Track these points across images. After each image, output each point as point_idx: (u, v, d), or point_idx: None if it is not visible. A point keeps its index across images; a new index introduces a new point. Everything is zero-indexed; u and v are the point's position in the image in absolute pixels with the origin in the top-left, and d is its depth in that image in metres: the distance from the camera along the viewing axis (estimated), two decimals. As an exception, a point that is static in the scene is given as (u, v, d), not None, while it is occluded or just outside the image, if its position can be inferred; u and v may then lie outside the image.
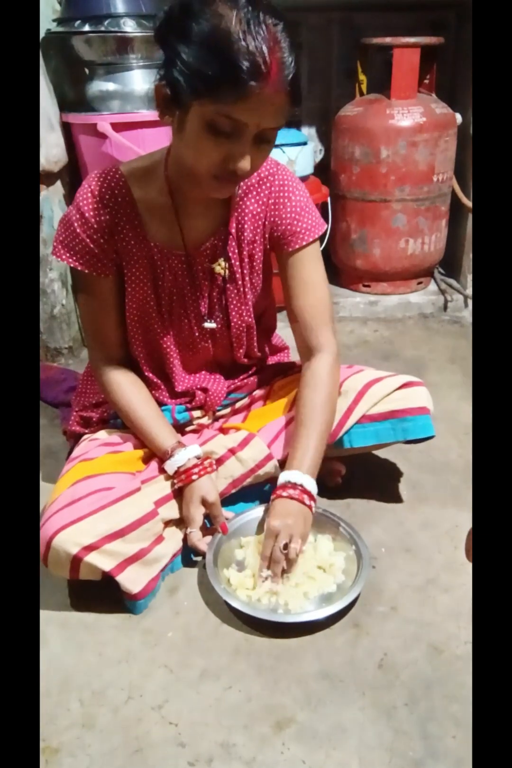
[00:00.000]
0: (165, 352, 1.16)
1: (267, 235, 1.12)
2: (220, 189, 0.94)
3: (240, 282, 1.13)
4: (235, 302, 1.15)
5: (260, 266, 1.15)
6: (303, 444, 1.08)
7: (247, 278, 1.14)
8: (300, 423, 1.11)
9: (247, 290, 1.15)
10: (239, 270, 1.13)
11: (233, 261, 1.12)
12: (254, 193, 1.09)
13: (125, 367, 1.16)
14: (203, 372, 1.24)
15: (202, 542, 1.08)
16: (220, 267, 1.11)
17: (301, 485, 1.04)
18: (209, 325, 1.15)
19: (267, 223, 1.11)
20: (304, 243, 1.11)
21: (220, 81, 0.79)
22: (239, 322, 1.17)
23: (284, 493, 1.04)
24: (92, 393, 1.26)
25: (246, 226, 1.10)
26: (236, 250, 1.11)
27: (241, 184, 1.08)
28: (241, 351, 1.22)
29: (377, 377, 1.21)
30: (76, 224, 1.03)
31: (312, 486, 1.06)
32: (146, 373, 1.17)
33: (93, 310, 1.12)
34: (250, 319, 1.18)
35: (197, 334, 1.17)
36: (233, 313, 1.16)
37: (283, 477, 1.06)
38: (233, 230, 1.10)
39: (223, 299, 1.15)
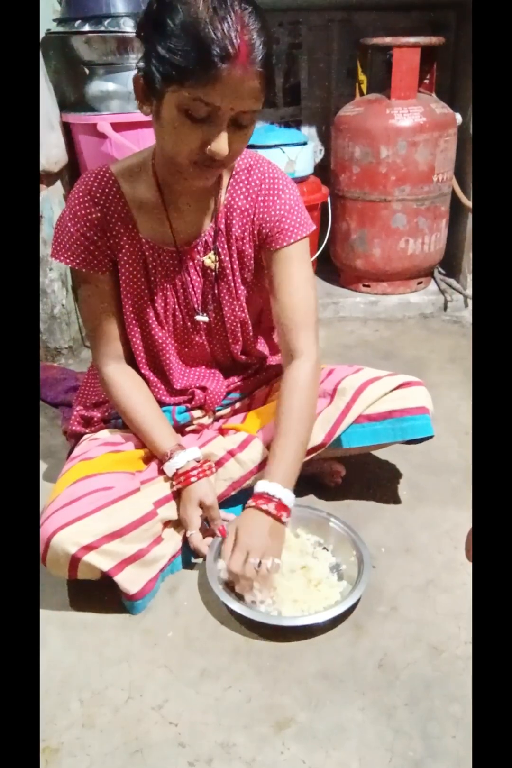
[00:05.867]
0: (161, 347, 1.16)
1: (255, 232, 1.11)
2: (200, 176, 0.94)
3: (230, 277, 1.13)
4: (226, 297, 1.15)
5: (251, 262, 1.14)
6: (282, 454, 1.06)
7: (237, 273, 1.14)
8: (279, 432, 1.08)
9: (238, 285, 1.14)
10: (229, 265, 1.13)
11: (222, 256, 1.12)
12: (242, 188, 1.09)
13: (127, 366, 1.16)
14: (201, 369, 1.24)
15: (203, 544, 1.08)
16: (211, 260, 1.12)
17: (279, 499, 1.02)
18: (201, 318, 1.15)
19: (255, 219, 1.10)
20: (291, 241, 1.10)
21: (190, 66, 0.81)
22: (232, 317, 1.17)
23: (263, 506, 1.02)
24: (95, 392, 1.26)
25: (234, 221, 1.10)
26: (225, 246, 1.11)
27: (229, 178, 1.08)
28: (238, 347, 1.21)
29: (375, 377, 1.20)
30: (69, 224, 1.04)
31: (289, 499, 1.03)
32: (143, 371, 1.17)
33: (93, 308, 1.12)
34: (243, 315, 1.17)
35: (191, 327, 1.17)
36: (226, 308, 1.16)
37: (260, 486, 1.04)
38: (222, 226, 1.10)
39: (216, 294, 1.15)
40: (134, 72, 0.92)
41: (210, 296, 1.15)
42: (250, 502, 1.04)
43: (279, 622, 0.98)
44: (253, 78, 0.84)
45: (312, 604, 1.00)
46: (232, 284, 1.14)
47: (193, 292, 1.14)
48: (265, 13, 0.86)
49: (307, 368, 1.11)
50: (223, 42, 0.79)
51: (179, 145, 0.90)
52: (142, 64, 0.88)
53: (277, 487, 1.03)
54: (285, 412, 1.09)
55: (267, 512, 1.01)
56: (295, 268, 1.11)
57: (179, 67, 0.81)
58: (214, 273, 1.13)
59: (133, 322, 1.13)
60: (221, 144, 0.88)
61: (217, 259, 1.12)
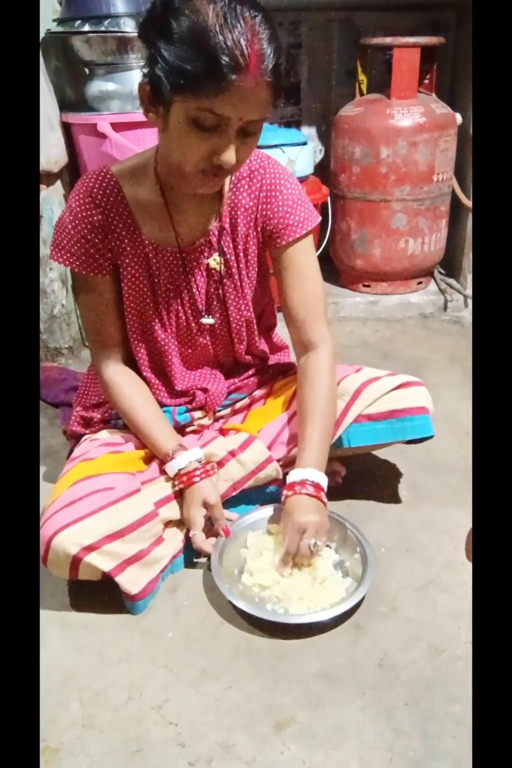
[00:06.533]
0: (164, 350, 1.15)
1: (259, 229, 1.11)
2: (207, 184, 0.94)
3: (236, 277, 1.13)
4: (232, 297, 1.15)
5: (255, 261, 1.14)
6: (309, 439, 1.09)
7: (243, 273, 1.13)
8: (303, 419, 1.11)
9: (244, 284, 1.14)
10: (235, 264, 1.12)
11: (228, 256, 1.11)
12: (246, 186, 1.09)
13: (127, 368, 1.16)
14: (203, 370, 1.23)
15: (206, 543, 1.08)
16: (215, 262, 1.11)
17: (312, 481, 1.05)
18: (207, 320, 1.15)
19: (259, 216, 1.10)
20: (297, 236, 1.10)
21: (200, 76, 0.79)
22: (238, 317, 1.17)
23: (301, 490, 1.04)
24: (94, 393, 1.26)
25: (239, 220, 1.10)
26: (230, 245, 1.11)
27: (231, 177, 1.08)
28: (242, 347, 1.21)
29: (374, 376, 1.21)
30: (69, 226, 1.04)
31: (322, 480, 1.06)
32: (145, 373, 1.17)
33: (93, 311, 1.12)
34: (249, 314, 1.17)
35: (195, 329, 1.17)
36: (231, 308, 1.15)
37: (293, 475, 1.07)
38: (226, 225, 1.10)
39: (221, 294, 1.14)
40: (134, 72, 0.91)
41: (215, 297, 1.15)
42: (288, 491, 1.06)
43: (284, 620, 0.98)
44: (262, 88, 0.83)
45: (318, 601, 1.01)
46: (238, 283, 1.14)
47: (197, 294, 1.13)
48: (266, 13, 0.85)
49: (326, 356, 1.14)
50: (233, 52, 0.78)
51: (186, 154, 0.89)
52: (146, 69, 0.86)
53: (311, 471, 1.06)
54: (308, 399, 1.12)
55: (308, 494, 1.04)
56: (304, 262, 1.13)
57: (188, 77, 0.80)
58: (218, 274, 1.12)
59: (136, 325, 1.12)
60: (230, 154, 0.87)
61: (222, 259, 1.11)
